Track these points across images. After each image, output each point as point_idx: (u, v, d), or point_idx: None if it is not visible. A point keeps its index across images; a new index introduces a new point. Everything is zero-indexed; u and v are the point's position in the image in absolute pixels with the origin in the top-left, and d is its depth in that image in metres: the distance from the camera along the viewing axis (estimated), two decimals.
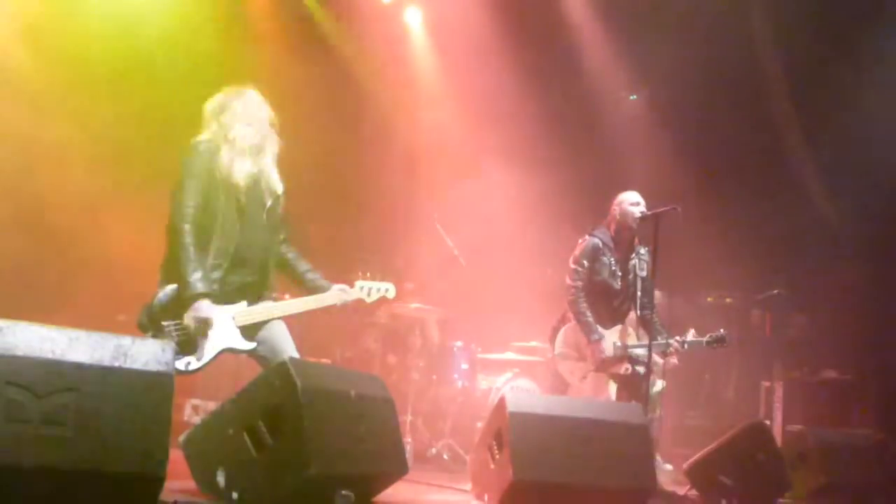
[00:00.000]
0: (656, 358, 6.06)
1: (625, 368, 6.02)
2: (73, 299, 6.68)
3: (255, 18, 8.67)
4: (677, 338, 5.97)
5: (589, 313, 6.05)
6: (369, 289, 4.67)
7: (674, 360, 6.18)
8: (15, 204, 6.69)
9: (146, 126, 7.13)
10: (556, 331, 6.30)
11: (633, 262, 6.18)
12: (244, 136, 4.41)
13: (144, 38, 7.57)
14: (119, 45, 7.43)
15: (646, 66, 8.77)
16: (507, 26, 8.80)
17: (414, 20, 9.66)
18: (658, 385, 6.16)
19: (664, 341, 5.97)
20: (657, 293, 7.09)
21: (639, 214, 6.06)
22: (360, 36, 9.25)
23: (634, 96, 9.72)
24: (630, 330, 6.10)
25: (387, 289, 4.72)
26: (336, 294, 4.56)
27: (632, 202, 6.14)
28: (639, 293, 6.03)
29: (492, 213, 8.97)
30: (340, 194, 8.93)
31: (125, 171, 7.09)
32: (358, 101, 9.04)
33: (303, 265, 4.68)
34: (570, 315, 6.18)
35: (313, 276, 4.64)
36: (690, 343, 5.94)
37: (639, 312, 6.08)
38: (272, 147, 4.53)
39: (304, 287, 4.64)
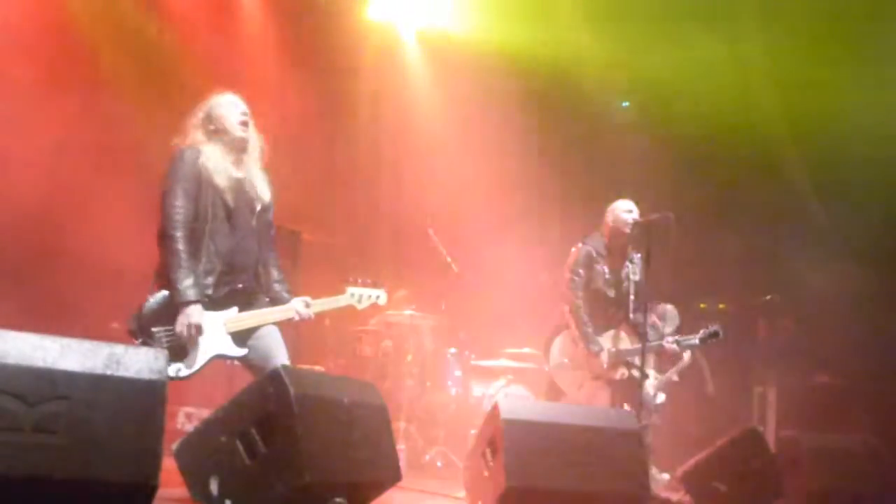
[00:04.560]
0: (657, 374, 6.06)
1: (620, 374, 6.01)
2: (66, 307, 6.65)
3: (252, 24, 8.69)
4: (669, 338, 5.96)
5: (590, 326, 6.03)
6: (360, 295, 4.66)
7: (674, 377, 6.17)
8: (8, 212, 6.68)
9: (141, 128, 7.12)
10: (550, 341, 6.28)
11: (626, 268, 6.18)
12: (225, 141, 4.42)
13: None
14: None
15: (637, 72, 8.79)
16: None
17: (404, 32, 9.69)
18: (659, 398, 6.16)
19: (657, 342, 5.95)
20: (669, 308, 7.09)
21: (631, 221, 6.06)
22: (353, 46, 9.28)
23: (626, 103, 9.74)
24: (623, 335, 6.09)
25: (378, 295, 4.70)
26: (286, 310, 4.48)
27: (625, 209, 6.14)
28: (632, 297, 6.02)
29: (484, 218, 8.98)
30: (334, 202, 8.93)
31: (120, 175, 7.07)
32: (350, 107, 9.05)
33: (275, 273, 4.63)
34: (564, 324, 6.16)
35: (279, 287, 4.59)
36: (683, 341, 5.92)
37: (631, 316, 6.06)
38: (255, 148, 4.53)
39: (268, 296, 4.60)
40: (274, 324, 4.45)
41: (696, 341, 5.89)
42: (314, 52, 8.84)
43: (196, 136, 4.45)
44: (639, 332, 5.95)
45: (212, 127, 4.45)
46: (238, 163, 4.46)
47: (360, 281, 4.67)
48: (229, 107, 4.49)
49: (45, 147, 6.94)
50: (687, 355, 6.85)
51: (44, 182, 6.86)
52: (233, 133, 4.44)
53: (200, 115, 4.49)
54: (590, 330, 6.01)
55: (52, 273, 6.88)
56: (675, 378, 6.23)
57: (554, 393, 6.26)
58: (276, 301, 4.55)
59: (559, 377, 6.17)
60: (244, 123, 4.47)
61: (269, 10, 8.79)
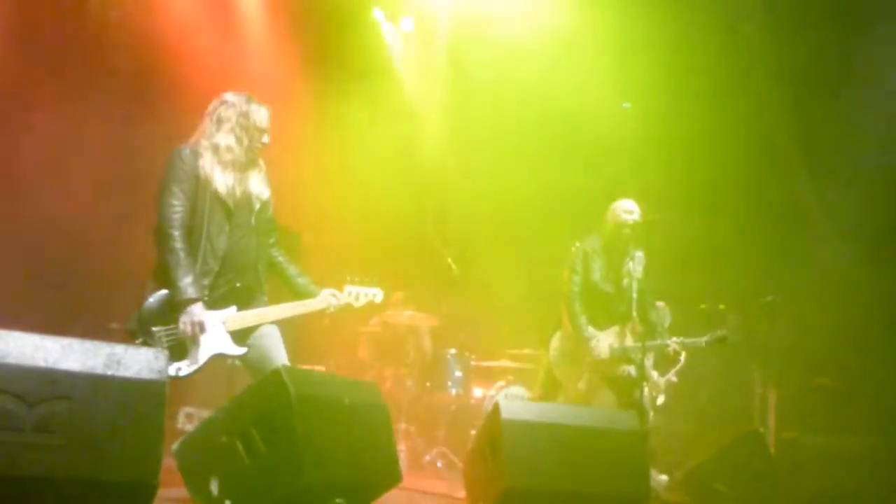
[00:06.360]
0: (655, 376, 6.04)
1: (621, 370, 6.00)
2: (67, 307, 6.65)
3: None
4: (674, 338, 5.93)
5: (582, 316, 6.04)
6: (357, 293, 4.66)
7: (673, 378, 6.17)
8: (9, 211, 6.69)
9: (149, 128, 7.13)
10: (550, 336, 6.29)
11: (628, 266, 6.17)
12: (229, 149, 4.36)
13: None
14: None
15: (638, 72, 8.78)
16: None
17: (406, 32, 9.71)
18: (659, 399, 6.14)
19: (661, 342, 5.94)
20: (660, 305, 7.08)
21: (632, 222, 6.06)
22: (355, 46, 9.30)
23: (627, 104, 9.72)
24: (626, 333, 6.08)
25: (374, 293, 4.71)
26: (325, 298, 4.56)
27: (625, 210, 6.14)
28: (634, 295, 6.00)
29: (486, 219, 8.98)
30: (334, 204, 8.93)
31: (120, 177, 7.07)
32: (354, 108, 9.05)
33: (292, 269, 4.67)
34: (565, 319, 6.17)
35: (303, 281, 4.63)
36: (688, 343, 5.89)
37: (635, 315, 6.04)
38: (258, 168, 4.51)
39: (293, 291, 4.62)
40: (273, 323, 4.45)
41: (703, 344, 5.85)
42: (315, 51, 8.84)
43: (203, 140, 4.37)
44: (642, 331, 5.92)
45: (224, 142, 4.38)
46: (236, 173, 4.41)
47: (357, 279, 4.67)
48: (254, 127, 4.40)
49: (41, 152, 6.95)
50: (684, 356, 6.82)
51: (44, 182, 6.87)
52: (244, 157, 4.40)
53: (228, 120, 4.40)
54: (582, 321, 6.01)
55: (52, 273, 6.89)
56: (674, 379, 6.23)
57: (551, 385, 6.25)
58: (304, 294, 4.58)
59: (559, 370, 6.16)
60: (261, 147, 4.46)
61: (271, 11, 8.79)
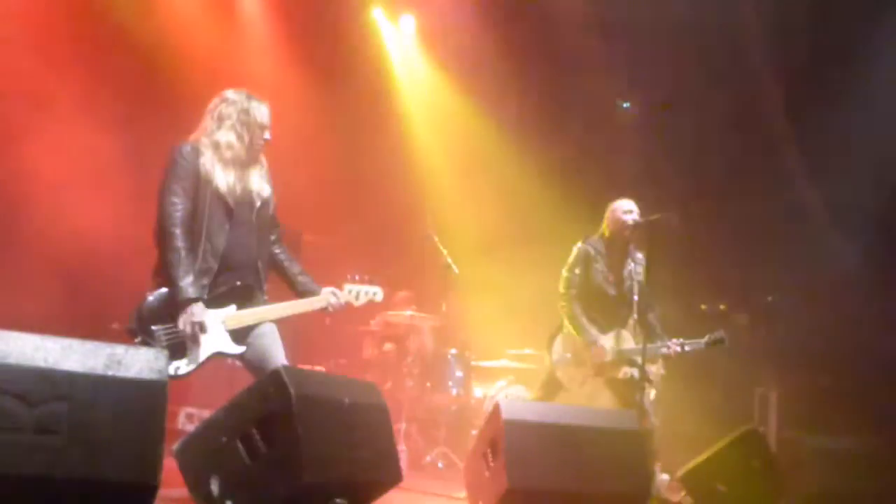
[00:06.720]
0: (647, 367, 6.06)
1: (623, 373, 5.99)
2: (66, 308, 6.65)
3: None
4: (675, 340, 5.93)
5: (583, 317, 6.03)
6: (357, 292, 4.67)
7: (660, 370, 6.17)
8: (5, 212, 6.69)
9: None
10: (553, 336, 6.29)
11: (629, 267, 6.17)
12: (230, 146, 4.36)
13: None
14: None
15: (639, 71, 8.79)
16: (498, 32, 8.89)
17: (409, 34, 9.72)
18: (651, 394, 6.14)
19: (661, 344, 5.94)
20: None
21: (631, 222, 6.05)
22: (357, 47, 9.31)
23: (627, 104, 9.73)
24: (627, 335, 6.08)
25: (374, 292, 4.71)
26: (326, 297, 4.56)
27: (624, 210, 6.13)
28: (636, 297, 6.00)
29: (487, 220, 8.99)
30: (335, 203, 8.93)
31: (121, 177, 7.08)
32: (355, 109, 9.06)
33: (294, 267, 4.67)
34: (566, 321, 6.17)
35: (304, 279, 4.64)
36: (689, 345, 5.89)
37: (636, 317, 6.04)
38: (259, 165, 4.50)
39: (294, 289, 4.62)
40: (273, 322, 4.45)
41: (703, 346, 5.85)
42: (316, 52, 8.85)
43: (203, 138, 4.37)
44: (644, 332, 5.92)
45: (225, 139, 4.38)
46: (237, 171, 4.40)
47: (357, 278, 4.67)
48: (255, 124, 4.40)
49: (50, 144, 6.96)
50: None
51: (40, 182, 6.87)
52: (244, 154, 4.40)
53: (229, 117, 4.39)
54: (583, 323, 6.01)
55: (53, 274, 6.89)
56: (662, 371, 6.23)
57: (552, 386, 6.24)
58: (305, 292, 4.58)
59: (562, 372, 6.16)
60: (262, 144, 4.46)
61: (271, 11, 8.81)
